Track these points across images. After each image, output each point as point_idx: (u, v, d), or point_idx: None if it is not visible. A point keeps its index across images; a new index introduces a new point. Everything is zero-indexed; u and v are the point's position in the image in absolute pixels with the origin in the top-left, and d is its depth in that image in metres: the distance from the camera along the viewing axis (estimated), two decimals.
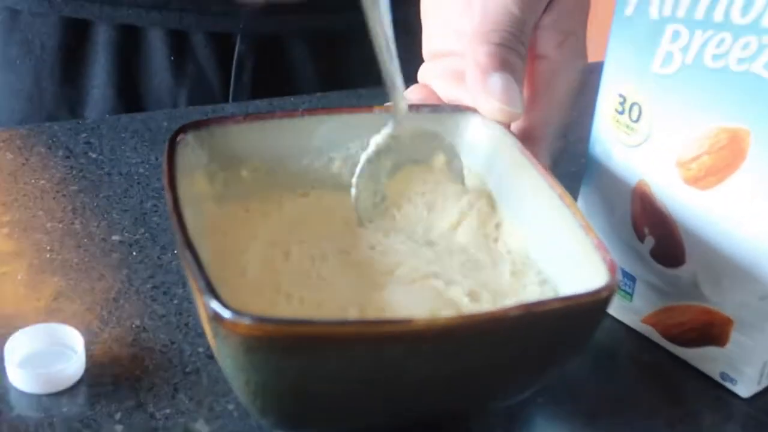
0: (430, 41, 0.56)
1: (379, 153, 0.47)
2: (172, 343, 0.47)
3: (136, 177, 0.60)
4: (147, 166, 0.61)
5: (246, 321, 0.34)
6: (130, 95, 0.73)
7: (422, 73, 0.56)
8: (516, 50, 0.48)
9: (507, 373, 0.38)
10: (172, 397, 0.44)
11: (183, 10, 0.70)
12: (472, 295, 0.42)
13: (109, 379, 0.45)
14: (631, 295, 0.48)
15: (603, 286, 0.37)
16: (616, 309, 0.50)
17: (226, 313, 0.35)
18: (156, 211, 0.56)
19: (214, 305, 0.35)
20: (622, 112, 0.46)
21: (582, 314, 0.38)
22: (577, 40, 0.52)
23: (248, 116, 0.48)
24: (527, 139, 0.48)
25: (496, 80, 0.47)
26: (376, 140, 0.47)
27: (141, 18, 0.70)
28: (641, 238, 0.47)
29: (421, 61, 0.57)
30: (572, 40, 0.51)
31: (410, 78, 0.54)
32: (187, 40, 0.72)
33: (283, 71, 0.73)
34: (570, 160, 0.55)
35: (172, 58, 0.71)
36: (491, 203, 0.48)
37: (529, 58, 0.50)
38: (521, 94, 0.47)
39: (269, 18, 0.71)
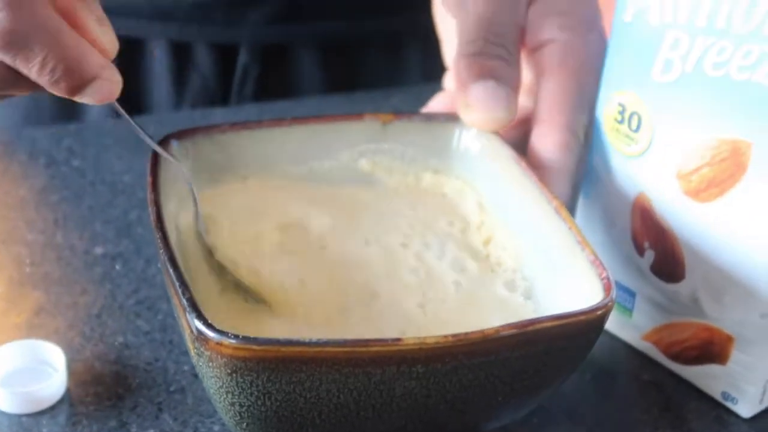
0: (450, 48, 0.57)
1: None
2: (157, 360, 0.48)
3: (120, 186, 0.61)
4: (132, 174, 0.62)
5: (231, 341, 0.35)
6: (131, 107, 0.74)
7: (447, 81, 0.57)
8: (496, 54, 0.49)
9: (500, 394, 0.39)
10: (156, 417, 0.45)
11: (186, 20, 0.71)
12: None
13: (92, 398, 0.45)
14: (630, 311, 0.49)
15: (598, 305, 0.38)
16: (615, 325, 0.50)
17: (210, 333, 0.35)
18: (140, 222, 0.57)
19: (198, 324, 0.36)
20: (621, 121, 0.47)
21: (577, 333, 0.39)
22: (582, 15, 0.52)
23: (234, 125, 0.49)
24: (543, 118, 0.49)
25: (475, 90, 0.48)
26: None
27: (143, 29, 0.71)
28: (641, 252, 0.48)
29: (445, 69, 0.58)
30: (575, 17, 0.51)
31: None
32: (190, 51, 0.73)
33: (289, 81, 0.75)
34: None
35: (174, 68, 0.72)
36: (484, 215, 0.48)
37: (531, 50, 0.51)
38: (510, 95, 0.48)
39: (276, 27, 0.72)
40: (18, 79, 0.39)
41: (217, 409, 0.39)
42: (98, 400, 0.45)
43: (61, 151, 0.63)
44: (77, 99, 0.40)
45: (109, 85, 0.40)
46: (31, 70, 0.39)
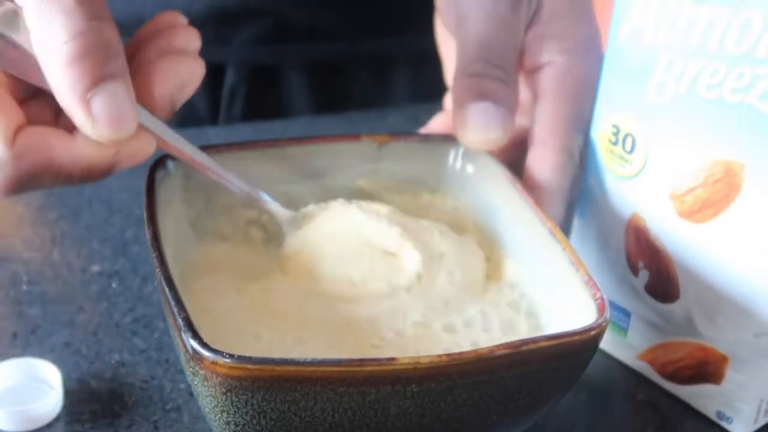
0: (450, 67, 0.58)
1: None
2: (153, 378, 0.48)
3: (117, 204, 0.61)
4: (129, 192, 0.62)
5: (226, 360, 0.35)
6: None
7: (447, 101, 0.57)
8: (495, 76, 0.49)
9: (494, 413, 0.39)
10: None
11: None
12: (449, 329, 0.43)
13: (87, 416, 0.46)
14: (625, 330, 0.50)
15: (592, 325, 0.38)
16: (610, 345, 0.51)
17: (205, 352, 0.36)
18: (137, 240, 0.58)
19: (194, 343, 0.36)
20: (616, 143, 0.47)
21: (571, 353, 0.39)
22: (580, 37, 0.53)
23: (230, 145, 0.49)
24: (540, 140, 0.49)
25: (472, 111, 0.48)
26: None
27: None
28: (635, 272, 0.48)
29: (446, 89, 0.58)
30: (573, 40, 0.52)
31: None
32: None
33: (277, 101, 0.75)
34: None
35: None
36: (479, 236, 0.49)
37: (529, 72, 0.52)
38: (506, 116, 0.48)
39: (264, 47, 0.72)
40: None
41: (212, 427, 0.40)
42: (94, 418, 0.45)
43: None
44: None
45: (132, 159, 0.41)
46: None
